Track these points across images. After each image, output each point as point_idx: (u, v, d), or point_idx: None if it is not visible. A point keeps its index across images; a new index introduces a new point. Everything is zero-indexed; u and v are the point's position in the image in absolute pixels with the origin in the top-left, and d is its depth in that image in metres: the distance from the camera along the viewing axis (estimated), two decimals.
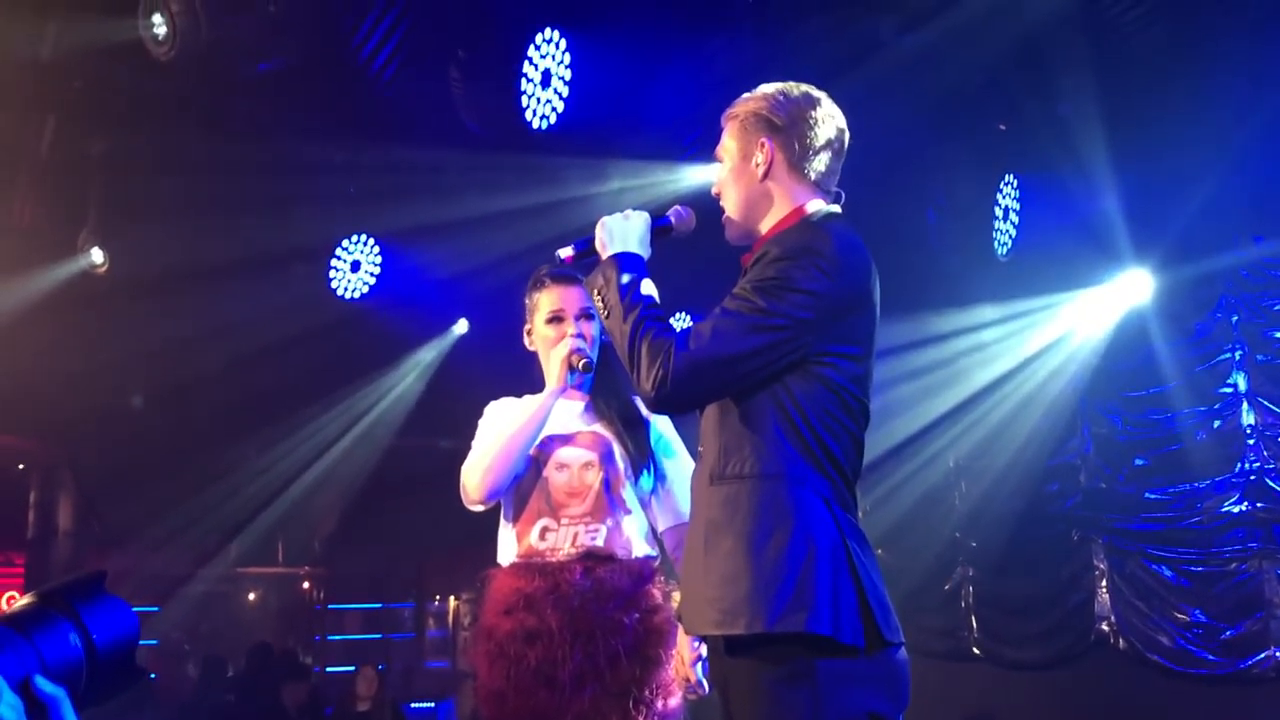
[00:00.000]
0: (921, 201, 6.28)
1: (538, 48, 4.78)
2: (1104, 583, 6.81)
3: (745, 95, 2.49)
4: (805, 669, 2.13)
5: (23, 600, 1.29)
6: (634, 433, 3.20)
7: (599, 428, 3.22)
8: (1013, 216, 6.13)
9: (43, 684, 1.20)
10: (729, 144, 2.47)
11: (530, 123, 4.74)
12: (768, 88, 2.47)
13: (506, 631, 3.08)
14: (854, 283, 2.29)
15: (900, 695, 2.22)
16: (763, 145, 2.41)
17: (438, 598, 11.73)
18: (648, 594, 3.12)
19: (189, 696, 8.59)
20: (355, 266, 6.78)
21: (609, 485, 3.15)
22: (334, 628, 12.23)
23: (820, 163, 2.44)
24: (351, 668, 9.06)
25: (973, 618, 7.48)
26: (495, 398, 3.33)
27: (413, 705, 9.82)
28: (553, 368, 3.16)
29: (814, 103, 2.45)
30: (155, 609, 10.17)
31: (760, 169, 2.42)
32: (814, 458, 2.24)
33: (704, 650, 3.05)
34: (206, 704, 8.31)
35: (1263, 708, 6.05)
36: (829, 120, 2.45)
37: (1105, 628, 6.78)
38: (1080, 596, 6.92)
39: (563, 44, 4.78)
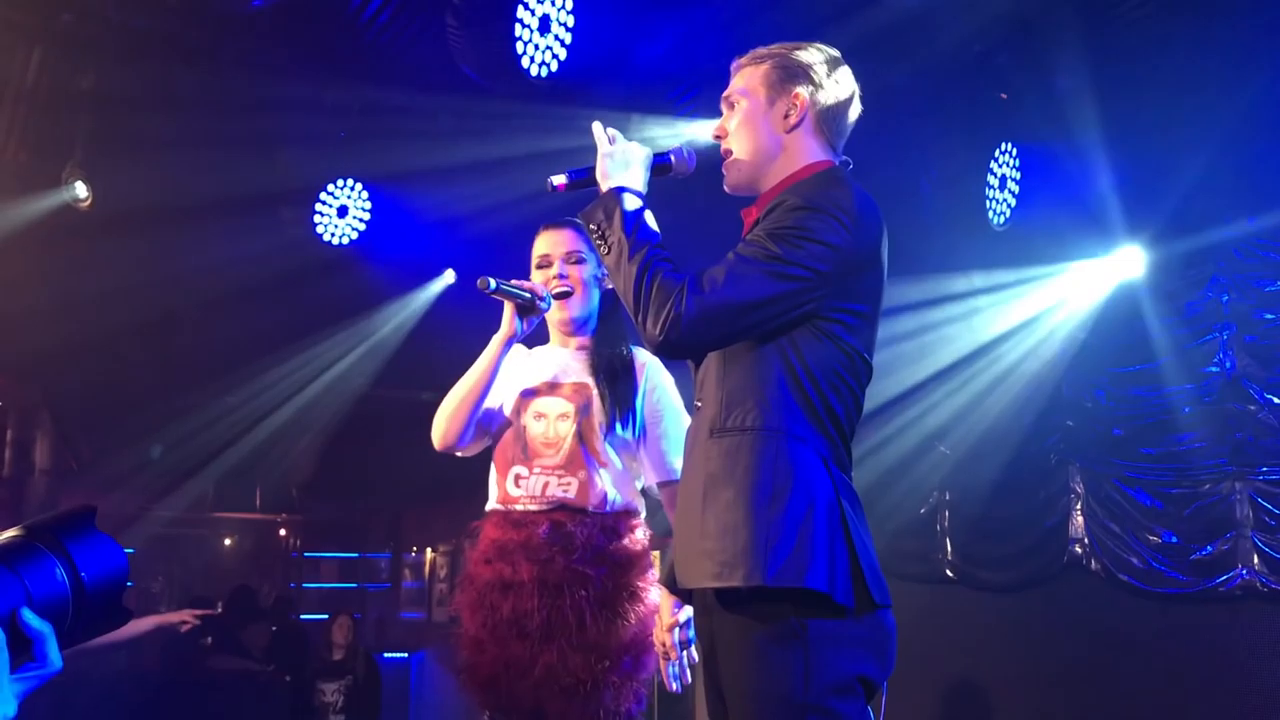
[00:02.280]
0: (914, 167, 6.22)
1: None
2: (1079, 506, 6.89)
3: (776, 44, 2.44)
4: (797, 629, 2.11)
5: (9, 533, 1.25)
6: (618, 385, 3.17)
7: (586, 378, 3.20)
8: (1011, 185, 6.09)
9: (30, 618, 1.17)
10: (756, 87, 2.40)
11: (528, 70, 4.66)
12: (799, 43, 2.43)
13: (486, 580, 3.13)
14: (869, 240, 2.26)
15: (888, 659, 2.22)
16: (796, 96, 2.37)
17: (415, 549, 11.72)
18: (621, 549, 3.11)
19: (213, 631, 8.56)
20: (343, 211, 6.69)
21: (582, 437, 3.14)
22: (310, 575, 12.23)
23: (840, 125, 2.42)
24: (325, 616, 9.08)
25: (947, 541, 7.54)
26: (479, 350, 3.33)
27: (386, 655, 9.83)
28: (506, 314, 3.17)
29: (842, 64, 2.43)
30: (130, 550, 10.14)
31: (790, 119, 2.37)
32: (816, 416, 2.21)
33: (682, 616, 3.04)
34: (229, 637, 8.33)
35: (1229, 624, 6.15)
36: (852, 86, 2.44)
37: (1079, 550, 6.86)
38: (1055, 520, 6.99)
39: None
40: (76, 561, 1.23)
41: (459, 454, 3.30)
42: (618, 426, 3.14)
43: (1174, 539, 6.41)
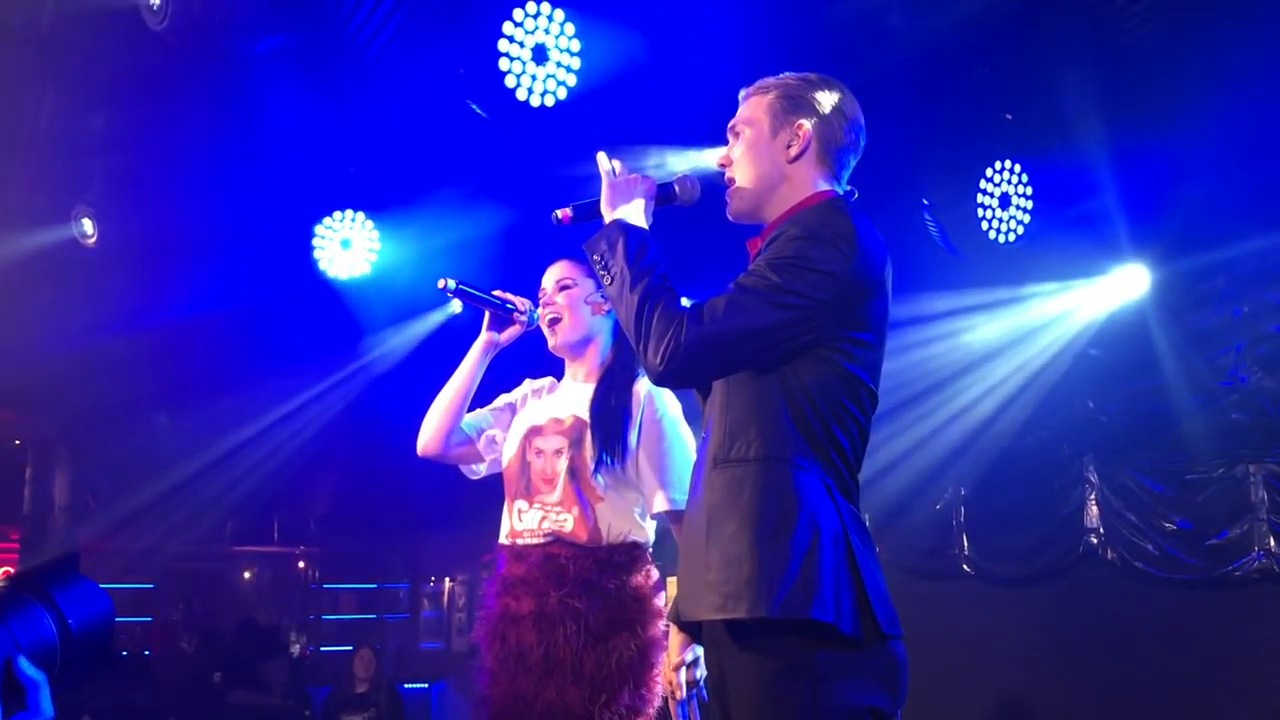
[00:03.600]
0: (914, 184, 6.18)
1: (519, 24, 4.65)
2: (1093, 495, 6.85)
3: (784, 75, 2.44)
4: (804, 661, 2.09)
5: None
6: (607, 417, 3.17)
7: (584, 413, 3.21)
8: (1019, 201, 6.04)
9: (26, 667, 1.18)
10: (759, 116, 2.41)
11: (527, 101, 4.66)
12: (806, 74, 2.43)
13: (496, 613, 3.16)
14: (871, 268, 2.24)
15: (899, 690, 2.17)
16: (799, 127, 2.37)
17: (433, 579, 11.72)
18: (616, 583, 3.09)
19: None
20: (346, 244, 6.69)
21: (575, 473, 3.15)
22: (329, 607, 12.22)
23: (844, 156, 2.41)
24: (347, 648, 9.07)
25: (964, 536, 7.51)
26: (493, 381, 3.41)
27: (406, 686, 9.81)
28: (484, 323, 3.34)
29: (846, 96, 2.43)
30: (150, 585, 10.16)
31: (792, 150, 2.37)
32: (820, 445, 2.20)
33: (689, 656, 3.01)
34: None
35: (1246, 608, 6.18)
36: (857, 118, 2.43)
37: (1094, 540, 6.85)
38: (1069, 510, 6.96)
39: (558, 15, 4.70)
40: (63, 609, 1.25)
41: (462, 469, 3.43)
42: (606, 459, 3.13)
43: (1189, 525, 6.43)
